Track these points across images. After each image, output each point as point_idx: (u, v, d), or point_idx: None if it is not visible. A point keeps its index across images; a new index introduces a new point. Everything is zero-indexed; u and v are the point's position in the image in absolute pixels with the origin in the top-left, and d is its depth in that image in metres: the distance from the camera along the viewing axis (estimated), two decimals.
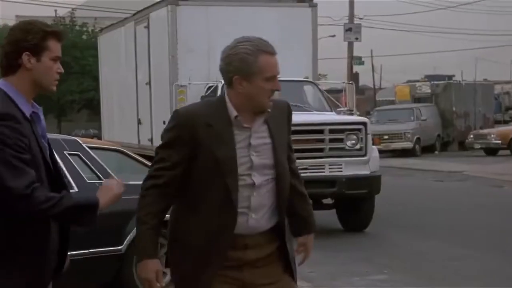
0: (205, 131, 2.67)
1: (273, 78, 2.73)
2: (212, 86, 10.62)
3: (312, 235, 3.06)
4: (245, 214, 2.71)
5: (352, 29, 29.83)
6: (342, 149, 9.43)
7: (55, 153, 5.09)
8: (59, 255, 2.75)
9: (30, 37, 2.60)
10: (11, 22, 45.30)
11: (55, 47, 2.65)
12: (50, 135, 6.09)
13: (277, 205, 2.78)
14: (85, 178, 5.50)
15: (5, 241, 2.52)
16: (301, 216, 2.99)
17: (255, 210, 2.73)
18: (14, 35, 2.63)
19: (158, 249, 2.80)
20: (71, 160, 5.49)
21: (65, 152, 5.50)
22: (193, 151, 2.68)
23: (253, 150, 2.72)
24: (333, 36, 34.37)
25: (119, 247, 5.53)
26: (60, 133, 26.73)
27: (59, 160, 5.33)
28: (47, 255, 2.62)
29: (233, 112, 2.70)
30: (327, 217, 10.22)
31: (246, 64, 2.67)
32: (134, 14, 14.17)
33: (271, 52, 2.74)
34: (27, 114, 2.57)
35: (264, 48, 2.71)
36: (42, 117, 2.70)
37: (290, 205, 2.88)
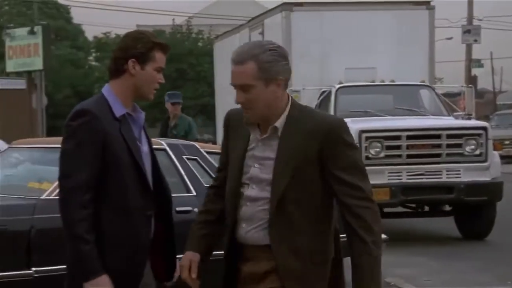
0: (235, 131, 2.66)
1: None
2: (325, 91, 10.60)
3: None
4: (237, 223, 2.63)
5: (470, 31, 28.89)
6: (461, 154, 9.16)
7: (174, 157, 5.15)
8: (166, 259, 2.82)
9: (139, 45, 2.73)
10: None
11: (160, 58, 2.77)
12: (169, 140, 6.27)
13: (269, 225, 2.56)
14: (203, 182, 5.62)
15: (98, 228, 2.64)
16: (354, 264, 2.59)
17: (246, 221, 2.60)
18: (125, 42, 2.77)
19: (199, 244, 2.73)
20: (189, 164, 5.62)
21: (183, 156, 5.64)
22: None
23: (256, 161, 2.60)
24: (450, 38, 33.44)
25: None
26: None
27: (178, 165, 5.53)
28: (131, 247, 2.67)
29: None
30: (445, 224, 9.94)
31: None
32: (249, 21, 14.39)
33: (234, 61, 2.60)
34: (117, 115, 2.69)
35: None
36: (140, 121, 2.79)
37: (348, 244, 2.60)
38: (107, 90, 2.76)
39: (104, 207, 2.66)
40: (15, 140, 6.30)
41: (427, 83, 11.08)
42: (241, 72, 2.54)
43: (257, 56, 2.53)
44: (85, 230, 2.59)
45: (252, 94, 2.53)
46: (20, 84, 28.48)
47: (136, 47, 2.73)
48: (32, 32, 26.06)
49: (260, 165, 2.59)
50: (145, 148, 2.79)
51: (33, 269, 4.52)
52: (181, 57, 36.60)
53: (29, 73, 26.97)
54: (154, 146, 5.49)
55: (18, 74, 29.39)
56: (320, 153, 2.54)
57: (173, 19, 41.58)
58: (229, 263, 2.65)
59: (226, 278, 2.68)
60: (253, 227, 2.59)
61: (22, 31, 27.05)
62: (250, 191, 2.60)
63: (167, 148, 5.62)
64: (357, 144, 7.11)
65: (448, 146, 9.16)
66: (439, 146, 9.16)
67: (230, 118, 2.71)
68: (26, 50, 26.18)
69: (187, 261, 2.68)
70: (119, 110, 2.72)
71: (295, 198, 2.53)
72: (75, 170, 2.62)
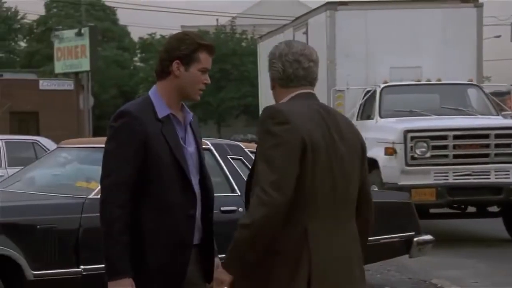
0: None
1: None
2: (370, 90, 10.51)
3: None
4: None
5: None
6: (510, 155, 9.00)
7: (219, 157, 5.17)
8: (205, 261, 2.83)
9: (183, 47, 2.75)
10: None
11: (205, 59, 2.77)
12: (214, 140, 6.31)
13: None
14: None
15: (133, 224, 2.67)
16: None
17: None
18: (171, 44, 2.79)
19: None
20: (234, 164, 5.64)
21: (228, 156, 5.66)
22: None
23: None
24: (499, 36, 32.80)
25: None
26: (220, 137, 27.64)
27: (223, 164, 5.55)
28: (172, 246, 2.69)
29: None
30: (493, 226, 9.77)
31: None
32: (293, 21, 14.36)
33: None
34: (160, 116, 2.72)
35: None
36: (187, 121, 2.81)
37: None
38: (153, 91, 2.80)
39: (144, 205, 2.68)
40: (63, 140, 6.42)
41: (474, 82, 10.90)
42: None
43: None
44: (118, 230, 2.62)
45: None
46: (68, 85, 29.02)
47: (180, 48, 2.74)
48: (79, 34, 26.52)
49: None
50: (190, 148, 2.79)
51: (82, 267, 4.60)
52: (224, 57, 36.74)
53: (76, 74, 27.47)
54: None
55: (66, 75, 29.94)
56: None
57: (217, 20, 41.86)
58: None
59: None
60: None
61: (70, 33, 27.55)
62: None
63: (212, 148, 5.64)
64: None
65: (497, 146, 9.01)
66: (487, 146, 9.01)
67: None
68: (74, 51, 26.65)
69: None
70: (162, 111, 2.74)
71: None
72: (115, 170, 2.66)
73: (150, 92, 2.80)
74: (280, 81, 2.63)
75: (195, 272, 2.82)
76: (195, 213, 2.76)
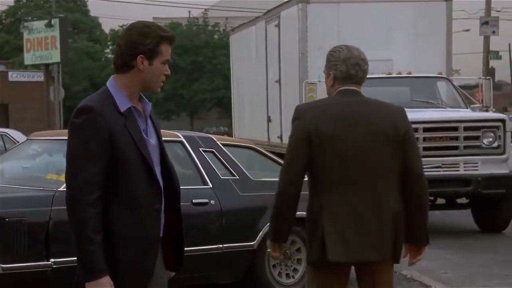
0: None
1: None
2: None
3: None
4: None
5: (488, 23, 28.63)
6: (478, 147, 9.10)
7: (190, 149, 5.15)
8: (175, 251, 2.84)
9: (147, 41, 2.68)
10: None
11: (166, 51, 2.72)
12: (186, 132, 6.29)
13: None
14: (219, 175, 5.63)
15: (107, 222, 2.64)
16: None
17: None
18: (132, 38, 2.70)
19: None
20: (206, 156, 5.63)
21: (200, 149, 5.65)
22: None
23: None
24: (468, 30, 33.15)
25: (251, 243, 5.61)
26: (192, 130, 27.61)
27: (194, 157, 5.54)
28: (142, 241, 2.67)
29: None
30: (462, 217, 9.89)
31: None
32: (265, 13, 14.35)
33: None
34: (122, 109, 2.66)
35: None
36: (147, 112, 2.76)
37: None
38: (112, 84, 2.73)
39: (113, 202, 2.64)
40: (33, 132, 6.35)
41: (444, 75, 11.01)
42: None
43: None
44: (91, 230, 2.57)
45: None
46: (38, 76, 28.68)
47: (144, 43, 2.68)
48: (49, 25, 26.17)
49: None
50: (152, 140, 2.75)
51: (52, 260, 4.56)
52: (197, 50, 36.59)
53: (46, 65, 27.12)
54: (171, 139, 5.57)
55: (36, 67, 29.58)
56: None
57: (190, 12, 41.65)
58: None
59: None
60: None
61: (39, 24, 27.18)
62: None
63: (184, 140, 5.63)
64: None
65: (466, 138, 9.10)
66: (456, 138, 9.11)
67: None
68: (44, 42, 26.30)
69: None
70: (123, 105, 2.69)
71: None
72: (82, 169, 2.59)
73: (108, 85, 2.73)
74: (341, 80, 3.26)
75: (160, 265, 2.81)
76: (161, 207, 2.74)
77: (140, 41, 2.68)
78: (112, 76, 2.77)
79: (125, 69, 2.71)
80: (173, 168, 2.83)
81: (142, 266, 2.68)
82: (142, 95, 2.79)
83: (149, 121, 2.78)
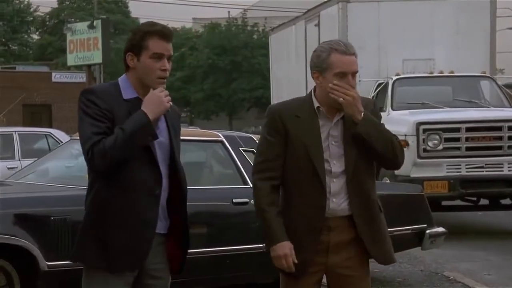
0: (293, 122, 2.97)
1: (342, 74, 3.00)
2: (382, 83, 10.48)
3: None
4: (328, 198, 2.96)
5: None
6: None
7: (231, 149, 5.17)
8: (180, 252, 2.83)
9: (132, 37, 2.76)
10: (188, 25, 47.59)
11: (154, 45, 2.73)
12: (226, 132, 6.30)
13: (349, 196, 2.96)
14: None
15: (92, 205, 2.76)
16: None
17: (335, 195, 2.96)
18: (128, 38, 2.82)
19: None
20: (246, 156, 5.64)
21: (240, 148, 5.67)
22: (286, 140, 2.97)
23: (332, 139, 2.98)
24: None
25: None
26: (231, 130, 27.68)
27: (235, 156, 5.54)
28: (135, 223, 2.69)
29: (315, 104, 3.03)
30: (506, 218, 9.73)
31: (318, 60, 3.05)
32: (304, 13, 14.33)
33: (344, 52, 3.02)
34: (125, 97, 2.74)
35: (336, 47, 3.02)
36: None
37: None
38: (122, 78, 2.82)
39: (107, 183, 2.69)
40: (76, 132, 6.44)
41: (487, 74, 10.85)
42: (355, 61, 3.06)
43: None
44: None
45: (355, 80, 3.06)
46: (80, 77, 29.08)
47: (130, 40, 2.77)
48: (91, 26, 26.55)
49: (336, 142, 2.98)
50: (161, 138, 2.76)
51: None
52: (236, 50, 36.70)
53: (88, 66, 27.52)
54: (211, 138, 5.59)
55: (78, 68, 30.02)
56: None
57: (229, 12, 41.82)
58: (316, 235, 2.94)
59: (310, 251, 2.94)
60: (341, 199, 2.97)
61: (82, 25, 27.60)
62: (334, 167, 2.96)
63: (224, 140, 5.65)
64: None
65: (510, 138, 8.95)
66: (500, 138, 8.97)
67: (282, 113, 3.02)
68: (86, 44, 26.70)
69: (289, 250, 2.94)
70: (128, 94, 2.75)
71: (364, 168, 2.98)
72: (87, 129, 2.73)
73: (119, 79, 2.83)
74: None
75: (160, 265, 2.80)
76: (160, 193, 2.73)
77: (129, 40, 2.78)
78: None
79: (126, 68, 2.80)
80: (182, 170, 2.82)
81: (134, 249, 2.68)
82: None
83: (162, 120, 2.78)
